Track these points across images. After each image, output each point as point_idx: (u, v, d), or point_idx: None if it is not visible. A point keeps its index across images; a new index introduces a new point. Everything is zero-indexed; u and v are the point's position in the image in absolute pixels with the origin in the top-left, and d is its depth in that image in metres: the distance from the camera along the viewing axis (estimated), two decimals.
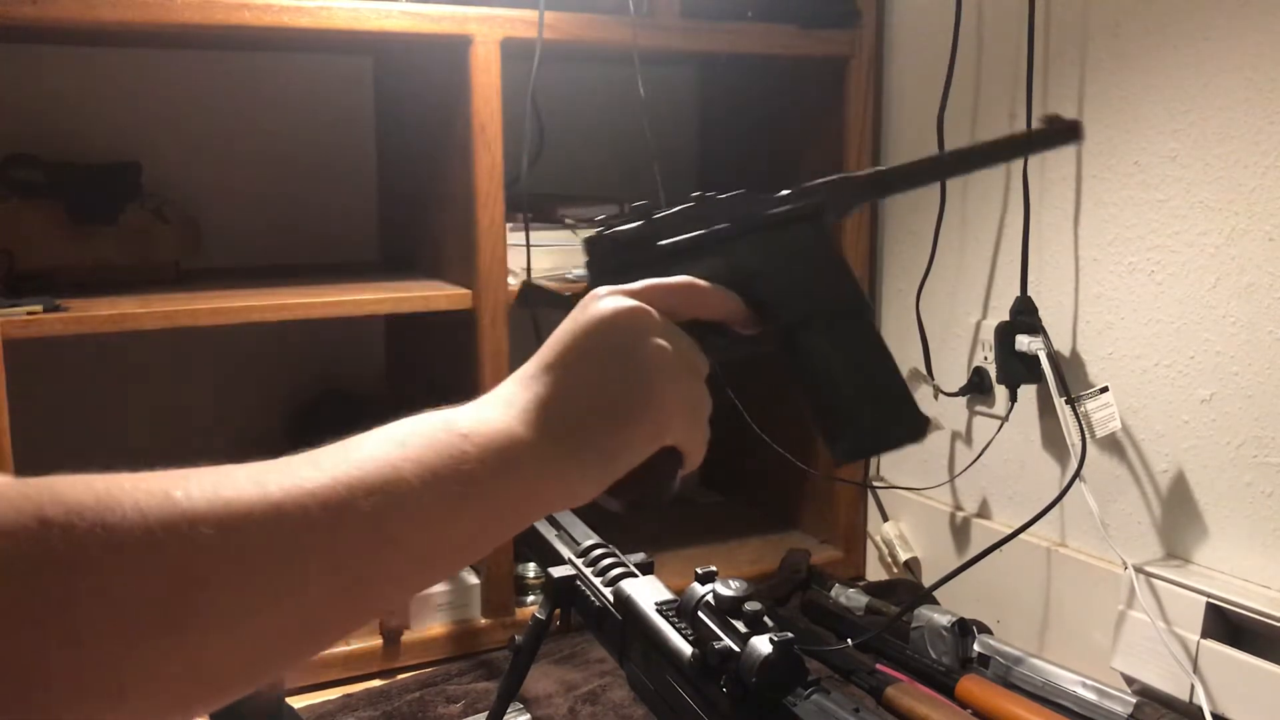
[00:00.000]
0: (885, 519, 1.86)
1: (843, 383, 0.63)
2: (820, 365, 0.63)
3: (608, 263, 0.66)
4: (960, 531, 1.72)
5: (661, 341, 0.58)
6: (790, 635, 0.69)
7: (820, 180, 0.68)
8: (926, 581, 1.76)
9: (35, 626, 0.37)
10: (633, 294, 0.60)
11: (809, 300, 0.65)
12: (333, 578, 0.45)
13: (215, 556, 0.42)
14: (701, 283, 0.63)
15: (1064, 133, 0.70)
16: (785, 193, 0.68)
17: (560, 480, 0.54)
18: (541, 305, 0.65)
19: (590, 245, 0.68)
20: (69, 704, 0.38)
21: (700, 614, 0.74)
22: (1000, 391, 1.60)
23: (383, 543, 0.47)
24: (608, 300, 0.59)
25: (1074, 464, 1.46)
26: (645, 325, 0.58)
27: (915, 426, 0.62)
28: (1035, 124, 0.68)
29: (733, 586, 0.74)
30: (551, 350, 0.57)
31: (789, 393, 0.65)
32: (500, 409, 0.54)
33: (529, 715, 1.36)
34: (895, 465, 1.84)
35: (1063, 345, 1.52)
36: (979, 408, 1.67)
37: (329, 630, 0.47)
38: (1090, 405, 1.44)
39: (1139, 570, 1.40)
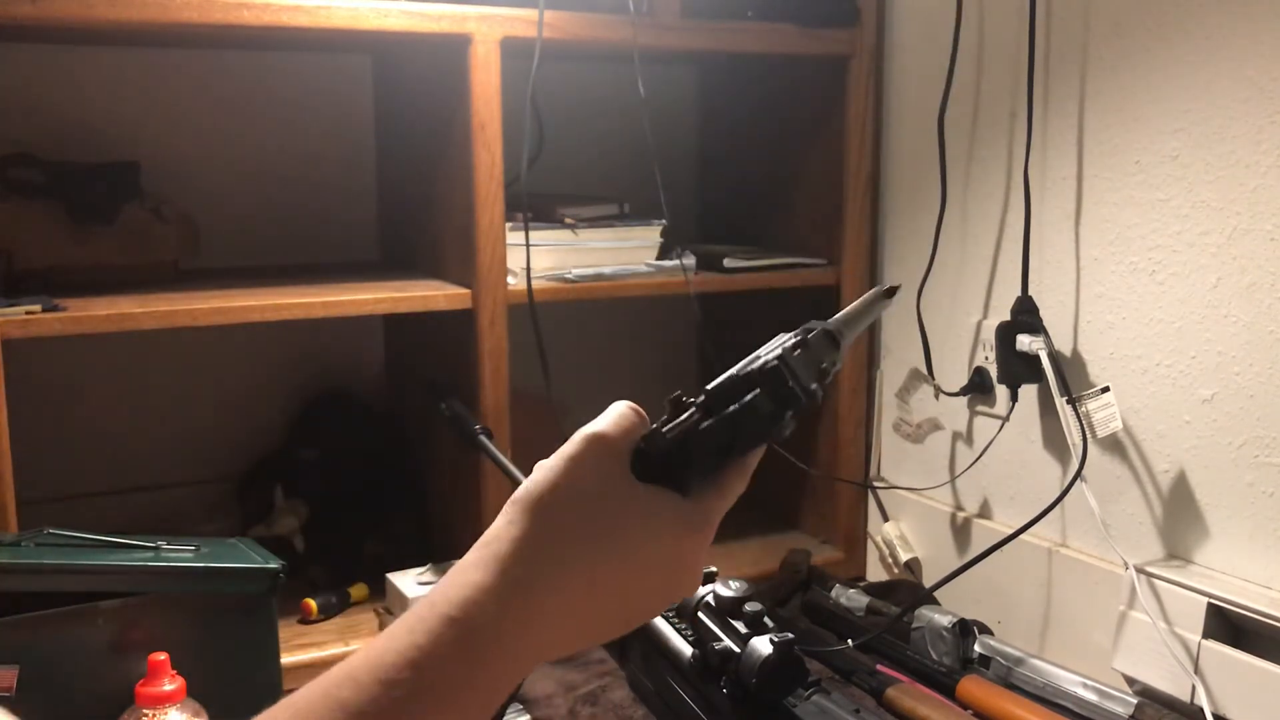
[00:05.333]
0: (886, 519, 1.85)
1: None
2: None
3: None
4: (961, 532, 1.72)
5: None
6: (790, 636, 0.69)
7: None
8: (927, 582, 1.76)
9: None
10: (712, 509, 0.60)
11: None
12: None
13: None
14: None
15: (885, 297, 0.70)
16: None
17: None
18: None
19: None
20: None
21: (700, 615, 0.74)
22: (1001, 391, 1.60)
23: None
24: (695, 527, 0.59)
25: (1075, 464, 1.45)
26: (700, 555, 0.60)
27: None
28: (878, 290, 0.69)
29: (733, 587, 0.74)
30: (618, 559, 0.57)
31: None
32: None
33: (529, 716, 1.36)
34: (896, 465, 1.84)
35: (1064, 345, 1.52)
36: (980, 408, 1.67)
37: None
38: (1091, 405, 1.44)
39: (1140, 570, 1.39)
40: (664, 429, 0.59)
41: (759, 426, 0.58)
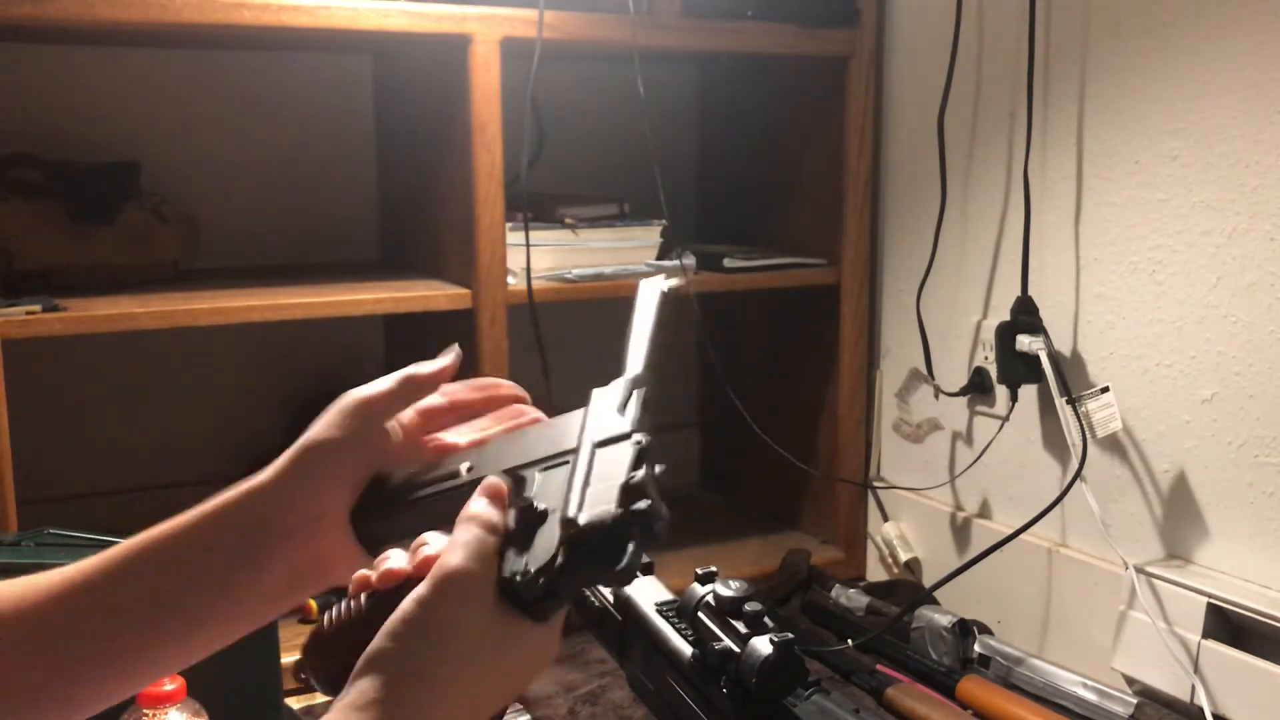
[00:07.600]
0: (886, 519, 1.85)
1: None
2: None
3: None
4: (961, 532, 1.72)
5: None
6: (791, 636, 0.69)
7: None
8: (927, 582, 1.76)
9: None
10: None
11: None
12: None
13: None
14: None
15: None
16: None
17: None
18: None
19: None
20: None
21: (700, 614, 0.74)
22: (1001, 391, 1.60)
23: None
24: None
25: (1075, 464, 1.45)
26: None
27: None
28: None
29: (733, 587, 0.74)
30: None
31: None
32: None
33: (529, 715, 1.36)
34: (896, 465, 1.84)
35: (1063, 345, 1.52)
36: (980, 408, 1.67)
37: None
38: (1091, 405, 1.44)
39: (1140, 570, 1.39)
40: (535, 572, 0.58)
41: (617, 558, 0.58)
